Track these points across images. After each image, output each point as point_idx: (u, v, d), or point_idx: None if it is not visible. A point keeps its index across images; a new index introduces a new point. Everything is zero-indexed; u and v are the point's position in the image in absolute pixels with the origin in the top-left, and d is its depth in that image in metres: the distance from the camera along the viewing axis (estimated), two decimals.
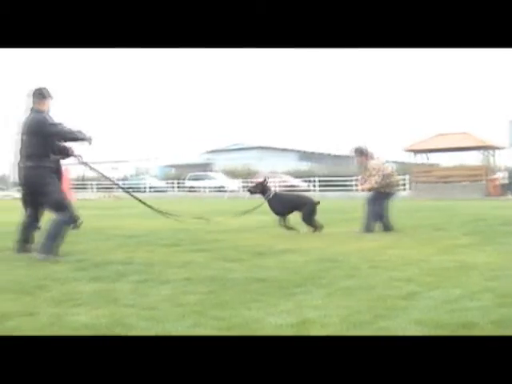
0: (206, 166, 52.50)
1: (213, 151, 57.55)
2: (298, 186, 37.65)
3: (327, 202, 22.42)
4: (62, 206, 5.67)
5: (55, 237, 5.52)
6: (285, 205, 8.76)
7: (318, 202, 8.77)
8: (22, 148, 5.72)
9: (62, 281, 4.37)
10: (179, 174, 47.48)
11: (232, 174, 43.27)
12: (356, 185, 34.55)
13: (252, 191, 9.26)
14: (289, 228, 8.54)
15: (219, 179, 41.59)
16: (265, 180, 9.22)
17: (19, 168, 5.76)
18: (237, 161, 47.42)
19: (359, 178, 9.33)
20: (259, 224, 9.81)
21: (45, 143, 5.62)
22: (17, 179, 5.92)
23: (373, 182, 8.44)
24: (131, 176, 50.14)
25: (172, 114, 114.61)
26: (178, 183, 43.33)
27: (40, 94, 5.71)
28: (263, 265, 5.22)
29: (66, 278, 4.49)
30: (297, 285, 4.23)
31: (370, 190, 8.57)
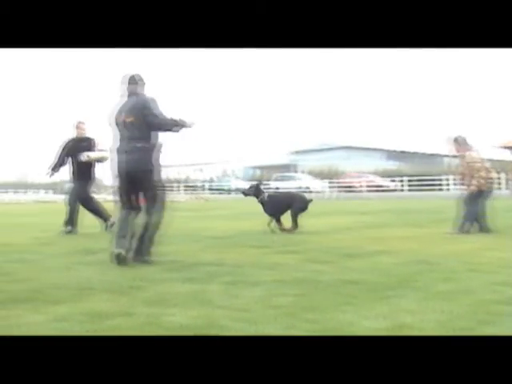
0: (291, 167, 52.55)
1: (298, 152, 57.45)
2: (385, 186, 36.89)
3: (417, 202, 21.89)
4: (161, 197, 5.53)
5: (151, 239, 5.43)
6: (278, 205, 8.83)
7: (311, 200, 8.82)
8: (122, 133, 5.49)
9: (156, 281, 4.47)
10: (264, 175, 47.75)
11: (318, 174, 43.01)
12: (447, 184, 33.50)
13: (246, 193, 9.36)
14: (282, 230, 8.59)
15: (305, 180, 41.43)
16: (259, 183, 9.41)
17: (120, 153, 5.50)
18: (322, 161, 47.10)
19: (459, 176, 8.79)
20: (348, 225, 9.68)
21: (148, 126, 5.41)
22: (115, 169, 5.57)
23: (481, 179, 8.02)
24: (217, 178, 50.97)
25: (257, 114, 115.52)
26: (264, 184, 43.58)
27: (140, 80, 5.58)
28: (354, 267, 5.12)
29: (159, 278, 4.59)
30: (390, 288, 4.10)
31: (479, 188, 8.10)
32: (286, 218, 8.69)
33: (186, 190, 42.59)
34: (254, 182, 9.92)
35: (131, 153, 5.40)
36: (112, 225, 8.86)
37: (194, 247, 6.80)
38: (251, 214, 14.36)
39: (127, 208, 5.54)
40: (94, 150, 9.07)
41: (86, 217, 9.29)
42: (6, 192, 51.87)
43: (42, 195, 43.98)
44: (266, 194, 9.08)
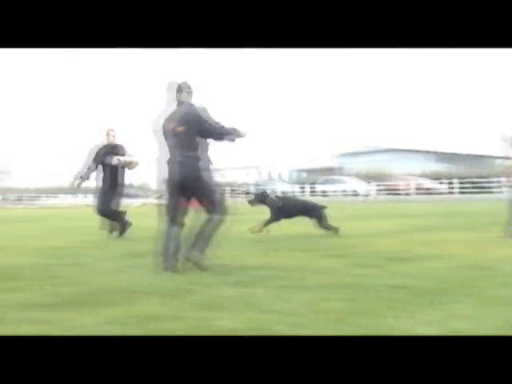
0: (336, 170, 52.19)
1: (344, 154, 57.04)
2: (434, 189, 36.20)
3: (468, 204, 21.37)
4: (219, 202, 5.47)
5: (210, 237, 5.34)
6: (287, 211, 8.85)
7: (325, 207, 8.67)
8: (171, 142, 5.41)
9: (204, 285, 4.49)
10: (310, 178, 47.57)
11: (364, 177, 42.57)
12: (499, 186, 32.58)
13: (252, 203, 9.24)
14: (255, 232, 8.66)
15: (351, 183, 41.07)
16: (264, 192, 9.31)
17: (171, 164, 5.40)
18: (369, 164, 46.60)
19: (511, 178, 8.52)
20: (396, 228, 9.53)
21: (202, 135, 5.41)
22: (163, 177, 5.49)
23: None
24: (262, 181, 51.04)
25: (303, 117, 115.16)
26: (311, 187, 43.38)
27: (189, 88, 5.51)
28: (404, 271, 5.02)
29: (208, 282, 4.61)
30: (443, 293, 4.00)
31: None
32: (298, 223, 8.61)
33: (231, 193, 42.80)
34: (260, 190, 9.89)
35: (183, 163, 5.34)
36: (122, 232, 9.12)
37: (241, 251, 6.81)
38: (296, 218, 14.31)
39: (173, 224, 5.44)
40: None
41: (133, 220, 9.43)
42: (57, 197, 53.34)
43: (92, 199, 45.00)
44: (274, 197, 9.00)
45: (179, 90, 5.48)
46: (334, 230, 8.54)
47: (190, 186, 5.38)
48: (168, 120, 5.44)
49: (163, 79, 5.62)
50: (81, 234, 8.91)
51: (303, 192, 43.28)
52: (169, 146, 5.44)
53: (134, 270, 5.36)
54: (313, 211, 8.76)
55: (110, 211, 9.19)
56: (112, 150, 9.25)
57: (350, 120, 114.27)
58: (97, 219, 9.65)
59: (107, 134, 9.42)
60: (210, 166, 5.51)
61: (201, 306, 3.69)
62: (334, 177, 44.30)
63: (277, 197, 9.15)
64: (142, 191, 51.60)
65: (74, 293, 4.24)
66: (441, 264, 5.40)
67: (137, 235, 9.05)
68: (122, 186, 9.41)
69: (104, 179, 9.27)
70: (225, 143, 5.59)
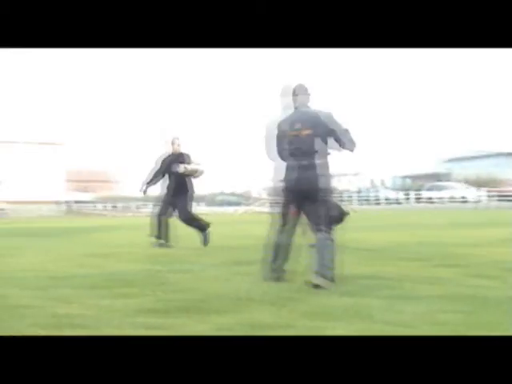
0: (444, 176, 50.33)
1: (452, 159, 54.88)
2: None
3: None
4: (339, 216, 5.22)
5: (328, 259, 4.91)
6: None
7: (348, 213, 7.93)
8: (293, 146, 5.10)
9: (312, 293, 4.44)
10: (415, 184, 46.22)
11: (474, 183, 40.72)
12: None
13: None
14: None
15: (459, 189, 39.42)
16: None
17: (292, 169, 5.11)
18: (479, 169, 44.52)
19: None
20: None
21: (325, 139, 5.08)
22: (280, 183, 5.24)
23: None
24: (365, 188, 50.24)
25: (407, 121, 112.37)
26: (416, 194, 42.12)
27: (305, 90, 5.25)
28: None
29: (317, 291, 4.54)
30: None
31: None
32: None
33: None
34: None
35: (303, 169, 5.05)
36: (205, 239, 9.05)
37: (349, 259, 6.66)
38: (404, 226, 13.93)
39: (284, 233, 5.22)
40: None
41: (235, 228, 9.55)
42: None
43: (202, 207, 46.03)
44: None
45: (295, 93, 5.23)
46: None
47: (307, 194, 5.07)
48: (290, 124, 5.15)
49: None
50: (187, 241, 9.12)
51: (409, 199, 42.09)
52: (289, 152, 5.15)
53: (241, 278, 5.39)
54: (335, 210, 8.29)
55: (190, 217, 9.23)
56: (177, 158, 9.29)
57: (457, 123, 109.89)
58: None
59: (172, 143, 9.48)
60: (329, 174, 5.18)
61: (311, 315, 3.64)
62: (441, 183, 42.71)
63: None
64: (245, 199, 52.40)
65: (185, 299, 4.32)
66: None
67: (243, 243, 9.15)
68: (190, 193, 9.39)
69: (169, 187, 9.32)
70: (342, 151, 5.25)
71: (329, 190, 5.15)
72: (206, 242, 9.08)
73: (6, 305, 4.21)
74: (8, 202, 36.73)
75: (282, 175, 5.20)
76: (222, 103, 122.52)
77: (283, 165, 5.21)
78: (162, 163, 9.46)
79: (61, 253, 8.59)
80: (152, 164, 9.58)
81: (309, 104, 5.26)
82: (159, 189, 9.55)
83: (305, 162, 5.05)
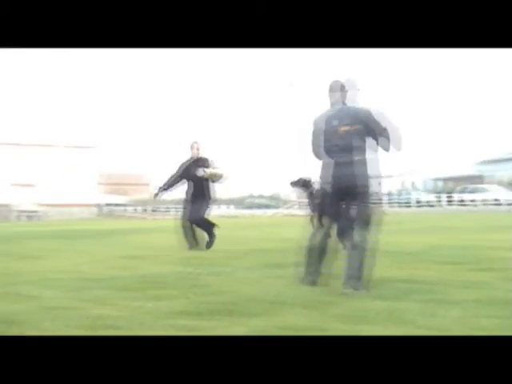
0: (476, 178, 49.50)
1: (485, 161, 53.94)
2: None
3: None
4: (374, 215, 4.96)
5: (363, 260, 4.77)
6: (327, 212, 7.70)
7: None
8: (339, 142, 4.90)
9: (345, 297, 4.41)
10: (448, 186, 45.58)
11: (508, 185, 39.96)
12: None
13: (293, 185, 8.13)
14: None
15: (493, 191, 38.72)
16: (309, 180, 7.90)
17: (337, 166, 4.91)
18: None
19: None
20: None
21: (372, 136, 4.92)
22: (325, 180, 5.04)
23: None
24: (397, 191, 49.75)
25: (438, 123, 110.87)
26: (448, 197, 41.53)
27: (354, 86, 5.11)
28: None
29: (348, 294, 4.51)
30: None
31: None
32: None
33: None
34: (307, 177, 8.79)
35: (351, 165, 4.86)
36: (209, 244, 9.03)
37: (381, 262, 6.59)
38: (436, 228, 13.75)
39: (323, 234, 5.07)
40: None
41: (265, 231, 9.54)
42: None
43: (224, 210, 46.16)
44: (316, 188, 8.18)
45: (343, 88, 5.06)
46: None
47: (354, 192, 4.88)
48: (338, 120, 4.96)
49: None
50: (217, 243, 9.15)
51: (441, 201, 41.52)
52: (334, 148, 4.95)
53: (273, 281, 5.38)
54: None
55: (202, 221, 9.19)
56: (197, 163, 9.27)
57: (491, 125, 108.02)
58: (234, 229, 9.84)
59: (191, 147, 9.47)
60: (378, 174, 5.04)
61: (344, 319, 3.61)
62: (475, 185, 42.02)
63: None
64: (274, 201, 52.36)
65: (217, 302, 4.33)
66: None
67: (273, 246, 9.14)
68: (210, 197, 9.36)
69: (189, 192, 9.30)
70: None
71: (372, 191, 4.94)
72: (208, 245, 9.06)
73: (41, 306, 4.27)
74: (42, 205, 37.36)
75: (330, 172, 4.98)
76: (249, 107, 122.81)
77: (330, 162, 4.99)
78: (180, 168, 9.45)
79: (94, 255, 8.71)
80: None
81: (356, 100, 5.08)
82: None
83: (349, 159, 4.86)
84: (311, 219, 6.35)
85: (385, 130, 4.88)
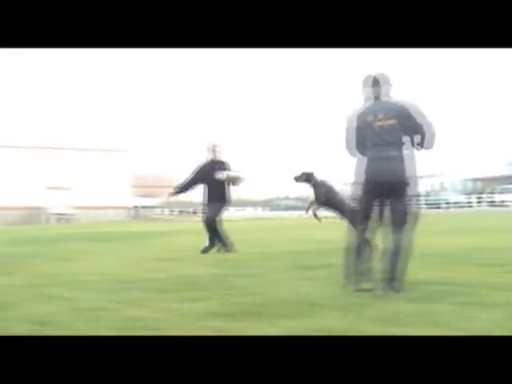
0: (508, 179, 48.54)
1: None
2: None
3: None
4: (412, 215, 4.78)
5: (404, 262, 4.68)
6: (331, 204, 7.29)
7: None
8: (375, 138, 4.78)
9: (379, 299, 4.36)
10: (484, 187, 44.77)
11: None
12: None
13: (297, 179, 7.86)
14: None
15: None
16: (311, 173, 7.38)
17: (373, 161, 4.79)
18: None
19: None
20: None
21: (408, 130, 4.76)
22: (362, 179, 4.87)
23: None
24: (434, 191, 49.09)
25: (475, 122, 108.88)
26: (483, 197, 40.75)
27: (388, 80, 4.94)
28: None
29: (382, 296, 4.47)
30: None
31: None
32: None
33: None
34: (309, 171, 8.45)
35: (388, 160, 4.72)
36: (228, 249, 8.86)
37: (415, 264, 6.47)
38: (474, 229, 13.47)
39: (364, 234, 4.92)
40: None
41: (294, 232, 9.50)
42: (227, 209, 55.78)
43: (259, 212, 46.23)
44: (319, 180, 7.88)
45: (376, 83, 4.91)
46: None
47: (390, 188, 4.74)
48: (373, 114, 4.84)
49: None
50: (249, 246, 9.15)
51: (477, 202, 40.79)
52: (371, 143, 4.83)
53: (305, 283, 5.36)
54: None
55: (214, 226, 9.06)
56: (215, 166, 9.18)
57: None
58: (267, 231, 9.83)
59: (213, 150, 9.36)
60: (415, 172, 4.84)
61: (379, 322, 3.57)
62: (504, 186, 41.19)
63: (323, 183, 7.93)
64: (301, 203, 52.19)
65: (249, 303, 4.33)
66: None
67: (304, 247, 9.10)
68: (228, 200, 9.28)
69: (208, 194, 9.20)
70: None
71: (411, 190, 4.75)
72: (204, 251, 8.94)
73: (77, 307, 4.34)
74: (77, 208, 37.93)
75: (363, 169, 4.86)
76: (277, 109, 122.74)
77: (364, 159, 4.88)
78: (200, 170, 9.34)
79: (129, 257, 8.80)
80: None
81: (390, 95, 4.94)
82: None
83: (387, 155, 4.73)
84: (310, 204, 6.68)
85: (420, 126, 4.75)
